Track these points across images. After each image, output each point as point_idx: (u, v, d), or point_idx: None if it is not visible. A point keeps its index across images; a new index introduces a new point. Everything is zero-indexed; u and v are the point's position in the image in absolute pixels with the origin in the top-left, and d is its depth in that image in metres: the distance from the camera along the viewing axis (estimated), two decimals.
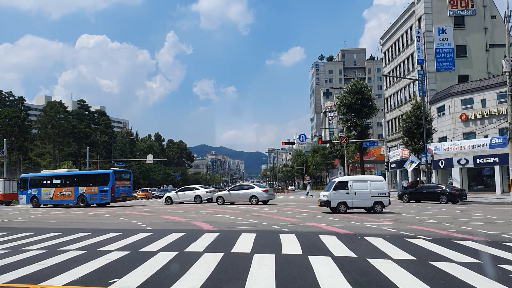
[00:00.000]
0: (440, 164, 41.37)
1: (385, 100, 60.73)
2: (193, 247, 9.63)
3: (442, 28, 46.28)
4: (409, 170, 41.70)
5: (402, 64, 53.81)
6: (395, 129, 54.99)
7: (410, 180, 46.34)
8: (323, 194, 19.79)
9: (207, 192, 31.50)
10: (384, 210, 19.40)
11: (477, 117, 39.15)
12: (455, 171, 39.93)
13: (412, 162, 36.15)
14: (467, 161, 38.71)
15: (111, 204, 31.69)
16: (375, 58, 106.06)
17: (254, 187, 28.59)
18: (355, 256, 8.32)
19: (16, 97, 64.50)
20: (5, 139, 45.99)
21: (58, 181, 31.82)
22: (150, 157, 66.58)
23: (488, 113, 38.18)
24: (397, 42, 55.60)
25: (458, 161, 39.30)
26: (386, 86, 60.74)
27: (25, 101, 66.55)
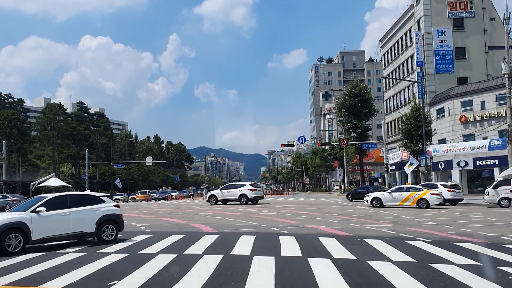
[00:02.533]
0: (439, 166, 41.38)
1: (385, 102, 60.78)
2: (192, 249, 9.62)
3: (442, 30, 46.36)
4: (408, 172, 41.72)
5: (401, 66, 53.87)
6: (395, 131, 55.03)
7: (410, 182, 46.34)
8: None
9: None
10: (384, 211, 19.37)
11: (477, 119, 39.17)
12: (455, 173, 39.95)
13: (411, 164, 36.17)
14: (466, 163, 38.74)
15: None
16: (375, 60, 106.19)
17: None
18: (355, 258, 8.30)
19: (15, 99, 64.46)
20: (4, 141, 45.96)
21: None
22: (149, 159, 66.59)
23: (488, 115, 38.21)
24: (396, 44, 55.68)
25: (458, 163, 39.33)
26: (386, 88, 60.81)
27: (24, 103, 66.50)
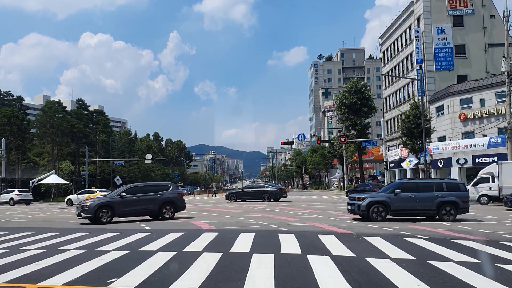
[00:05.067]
0: (439, 164, 41.38)
1: (384, 100, 60.74)
2: (192, 247, 9.63)
3: (441, 28, 46.29)
4: (407, 168, 41.72)
5: (401, 64, 53.82)
6: (394, 129, 55.01)
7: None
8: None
9: None
10: None
11: (476, 116, 39.17)
12: (454, 171, 39.93)
13: (410, 161, 36.16)
14: (466, 161, 38.71)
15: None
16: (374, 58, 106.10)
17: None
18: (354, 255, 8.32)
19: (14, 97, 64.30)
20: (3, 139, 45.94)
21: None
22: (148, 156, 66.54)
23: (487, 113, 38.20)
24: (396, 41, 55.61)
25: (457, 161, 39.30)
26: (385, 85, 60.77)
27: (24, 100, 66.32)
